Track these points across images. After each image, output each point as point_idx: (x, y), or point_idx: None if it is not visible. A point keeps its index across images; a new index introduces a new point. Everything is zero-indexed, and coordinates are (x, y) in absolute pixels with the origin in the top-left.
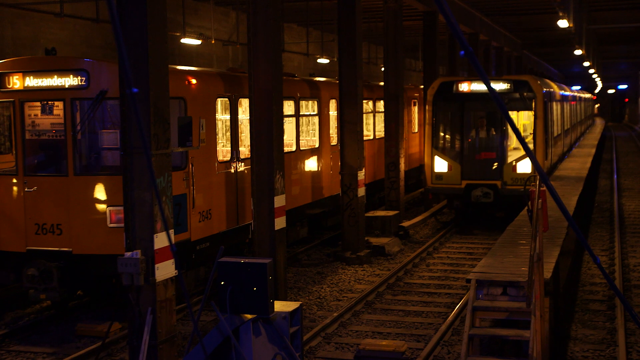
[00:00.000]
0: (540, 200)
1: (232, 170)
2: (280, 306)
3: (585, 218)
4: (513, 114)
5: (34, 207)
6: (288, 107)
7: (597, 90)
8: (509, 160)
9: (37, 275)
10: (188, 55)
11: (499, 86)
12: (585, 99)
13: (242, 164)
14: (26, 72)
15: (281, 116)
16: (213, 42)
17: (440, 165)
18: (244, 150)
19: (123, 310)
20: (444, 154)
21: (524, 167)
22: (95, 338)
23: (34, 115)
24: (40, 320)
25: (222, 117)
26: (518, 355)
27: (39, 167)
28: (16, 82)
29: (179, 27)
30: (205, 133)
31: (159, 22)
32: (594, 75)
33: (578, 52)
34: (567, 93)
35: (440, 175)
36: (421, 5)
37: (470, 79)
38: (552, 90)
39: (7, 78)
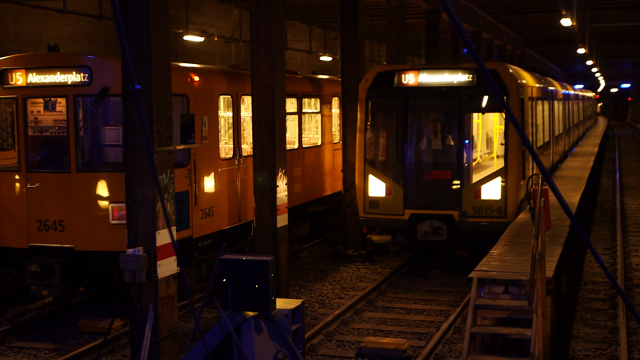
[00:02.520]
0: (542, 199)
1: (235, 168)
2: (282, 304)
3: (588, 217)
4: (476, 118)
5: (36, 203)
6: (290, 104)
7: (600, 89)
8: (472, 181)
9: (39, 272)
10: (191, 52)
11: (456, 77)
12: (586, 97)
13: (245, 161)
14: (29, 69)
15: (284, 114)
16: (216, 39)
17: (376, 187)
18: (247, 147)
19: (125, 307)
20: (381, 172)
21: (492, 191)
22: (97, 334)
23: (37, 111)
24: (42, 317)
25: (225, 114)
26: (520, 354)
27: (42, 163)
28: (19, 78)
29: (182, 24)
30: (208, 130)
31: (162, 19)
32: (597, 74)
33: (581, 50)
34: (561, 90)
35: (375, 202)
36: (424, 3)
37: (418, 67)
38: (535, 85)
39: (10, 74)
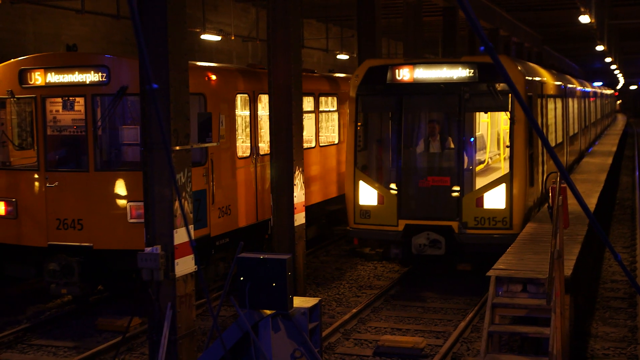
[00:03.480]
0: (560, 197)
1: (252, 166)
2: (299, 302)
3: (607, 215)
4: (485, 117)
5: (55, 202)
6: (307, 103)
7: (619, 86)
8: (474, 188)
9: (58, 270)
10: (208, 51)
11: (456, 72)
12: (605, 94)
13: (262, 159)
14: (48, 68)
15: (301, 112)
16: (233, 38)
17: (367, 195)
18: (264, 146)
19: (143, 305)
20: (372, 178)
21: (495, 199)
22: (115, 332)
23: (55, 111)
24: (61, 315)
25: (242, 113)
26: (538, 353)
27: (60, 162)
28: (38, 78)
29: (199, 23)
30: (225, 129)
31: (179, 18)
32: (616, 71)
33: (600, 47)
34: (577, 87)
35: (366, 211)
36: (441, 0)
37: (413, 61)
38: (546, 81)
39: (29, 74)
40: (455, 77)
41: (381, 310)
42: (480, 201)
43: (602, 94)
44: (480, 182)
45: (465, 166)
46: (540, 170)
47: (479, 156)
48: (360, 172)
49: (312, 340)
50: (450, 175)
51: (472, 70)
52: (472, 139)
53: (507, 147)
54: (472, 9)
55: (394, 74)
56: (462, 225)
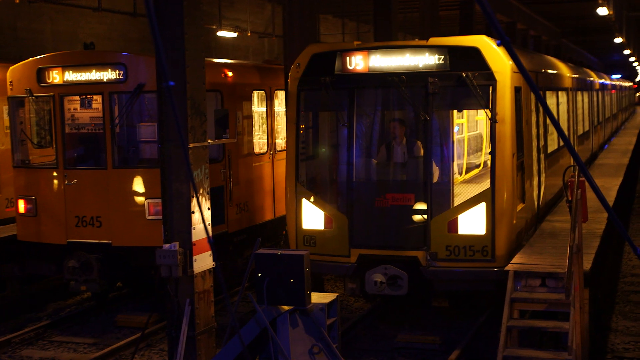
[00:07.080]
0: (579, 191)
1: (269, 162)
2: (317, 298)
3: (626, 207)
4: (480, 114)
5: (74, 199)
6: None
7: (638, 79)
8: (452, 206)
9: (77, 267)
10: (224, 47)
11: (422, 59)
12: (623, 87)
13: (279, 155)
14: (65, 67)
15: None
16: (249, 34)
17: (312, 217)
18: (280, 142)
19: (162, 302)
20: (318, 196)
21: (473, 223)
22: (134, 329)
23: (74, 109)
24: (81, 312)
25: (259, 109)
26: (557, 347)
27: (79, 160)
28: (56, 76)
29: (215, 20)
30: (242, 125)
31: (195, 15)
32: (635, 63)
33: (618, 40)
34: (589, 78)
35: (311, 237)
36: None
37: (368, 46)
38: (540, 70)
39: (47, 73)
40: (421, 66)
41: (399, 306)
42: (453, 225)
43: (620, 86)
44: (462, 197)
45: (435, 179)
46: (535, 182)
47: (472, 160)
48: (304, 188)
49: (330, 335)
50: (415, 192)
51: (441, 56)
52: (450, 143)
53: (489, 154)
54: (488, 3)
55: (344, 63)
56: (431, 256)
